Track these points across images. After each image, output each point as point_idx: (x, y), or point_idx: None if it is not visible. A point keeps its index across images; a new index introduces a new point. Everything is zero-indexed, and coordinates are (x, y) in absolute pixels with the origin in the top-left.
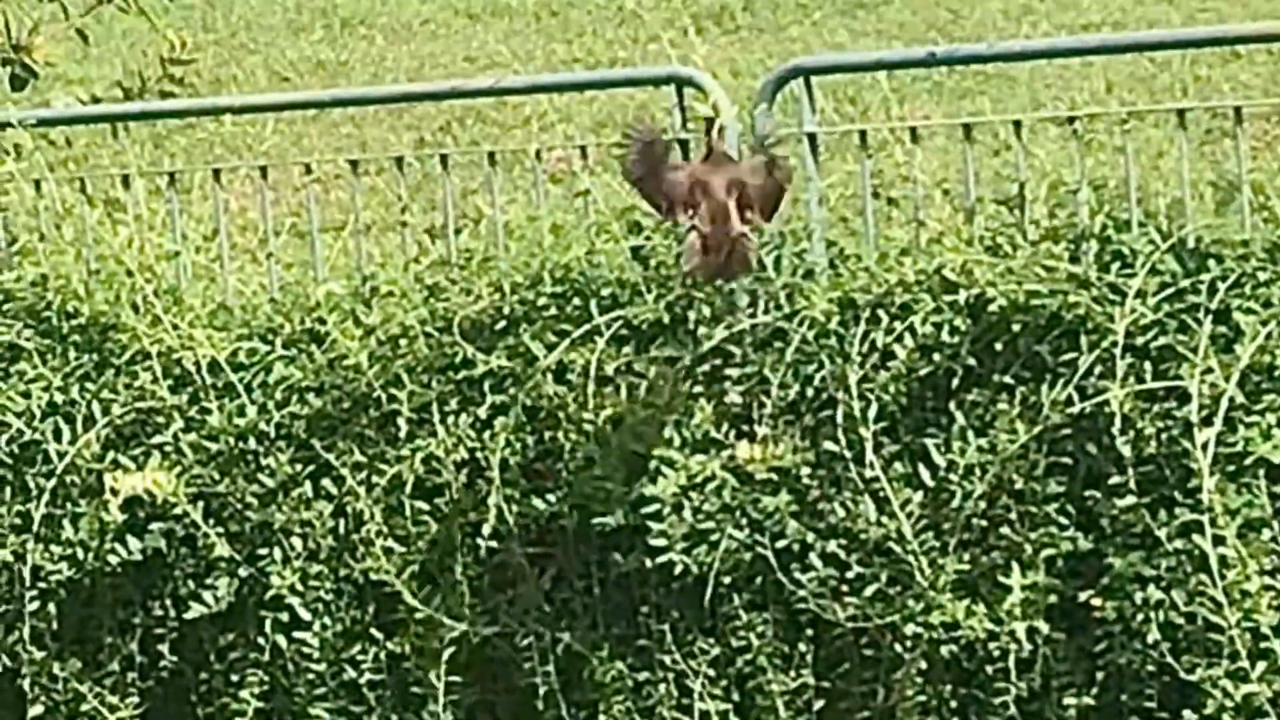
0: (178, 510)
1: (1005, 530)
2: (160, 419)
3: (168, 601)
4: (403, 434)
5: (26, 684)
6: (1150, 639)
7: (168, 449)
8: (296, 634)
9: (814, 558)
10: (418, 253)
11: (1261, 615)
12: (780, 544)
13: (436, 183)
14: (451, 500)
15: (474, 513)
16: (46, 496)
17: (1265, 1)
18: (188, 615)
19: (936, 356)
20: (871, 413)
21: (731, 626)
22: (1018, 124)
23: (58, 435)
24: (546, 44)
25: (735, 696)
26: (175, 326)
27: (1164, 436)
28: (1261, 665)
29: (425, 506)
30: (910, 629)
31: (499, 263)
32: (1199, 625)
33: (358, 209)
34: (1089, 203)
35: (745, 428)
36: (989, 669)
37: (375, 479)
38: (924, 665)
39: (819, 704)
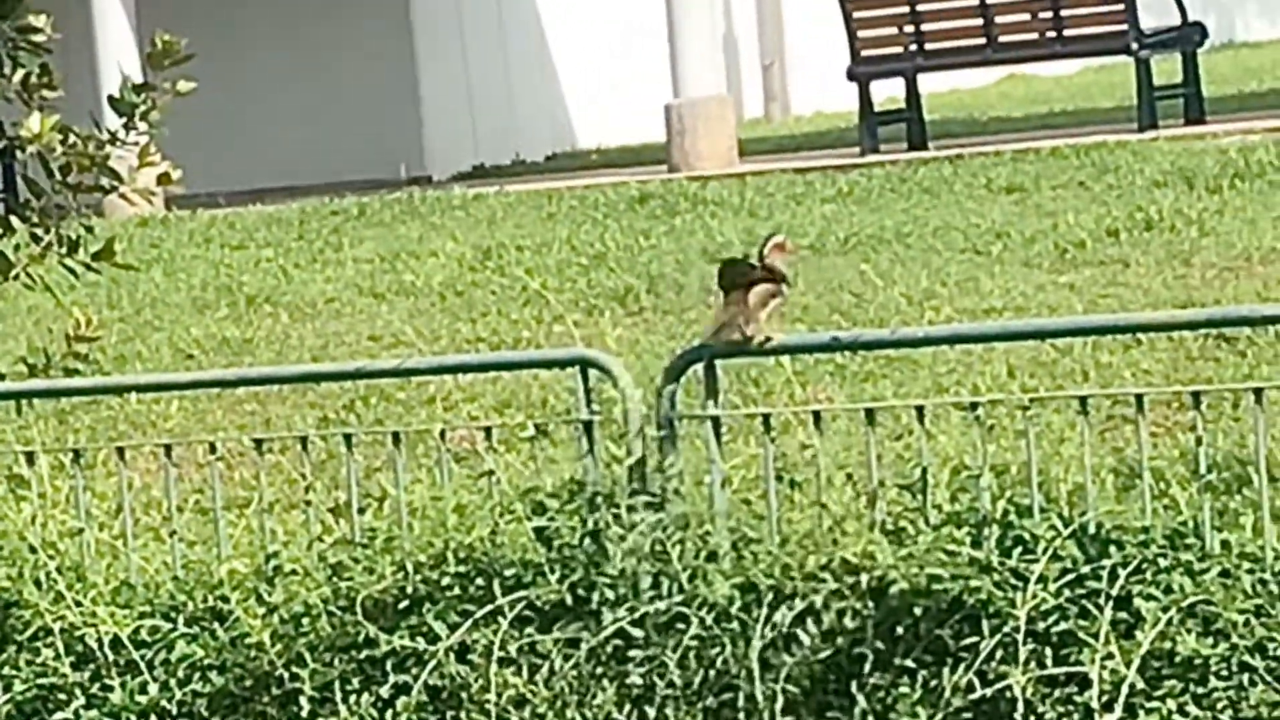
0: None
1: None
2: (62, 695)
3: None
4: (304, 713)
5: None
6: None
7: None
8: None
9: None
10: (321, 531)
11: None
12: None
13: (340, 461)
14: None
15: None
16: None
17: (1165, 288)
18: None
19: (839, 640)
20: (774, 697)
21: None
22: (920, 409)
23: None
24: (451, 323)
25: None
26: (78, 603)
27: None
28: None
29: None
30: None
31: (403, 542)
32: None
33: (262, 487)
34: (991, 488)
35: (647, 709)
36: None
37: None
38: None
39: None
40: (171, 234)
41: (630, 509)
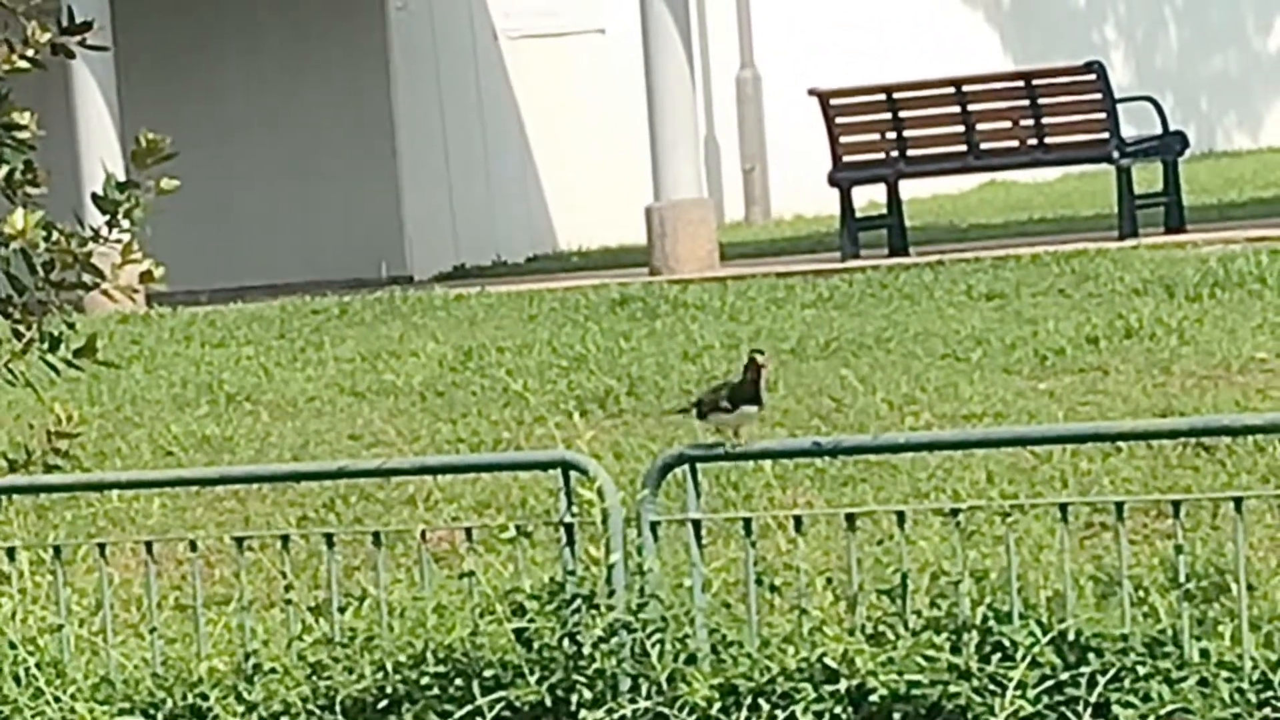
0: None
1: None
2: None
3: None
4: None
5: None
6: None
7: None
8: None
9: None
10: (301, 630)
11: None
12: None
13: (321, 560)
14: None
15: None
16: None
17: (1145, 396)
18: None
19: None
20: None
21: None
22: (900, 514)
23: None
24: (432, 423)
25: None
26: (57, 699)
27: None
28: None
29: None
30: None
31: (383, 641)
32: None
33: (242, 585)
34: (970, 593)
35: None
36: None
37: None
38: None
39: None
40: (152, 331)
41: (609, 610)
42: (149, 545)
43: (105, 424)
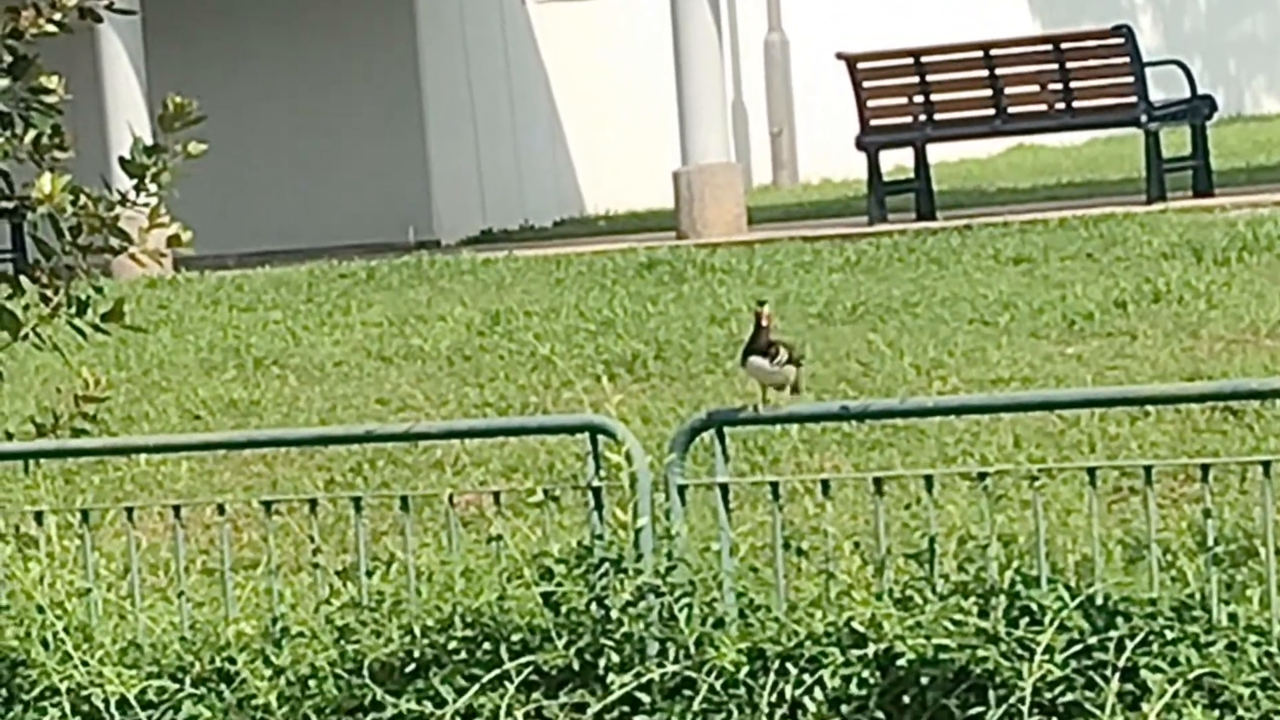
0: None
1: None
2: None
3: None
4: None
5: None
6: None
7: None
8: None
9: None
10: (329, 594)
11: None
12: None
13: (348, 524)
14: None
15: None
16: None
17: (1173, 360)
18: None
19: (845, 709)
20: None
21: None
22: (928, 478)
23: None
24: (459, 387)
25: None
26: (85, 663)
27: None
28: None
29: None
30: None
31: (410, 606)
32: None
33: (270, 548)
34: (998, 558)
35: None
36: None
37: None
38: None
39: None
40: (180, 295)
41: (637, 574)
42: (176, 509)
43: (133, 388)
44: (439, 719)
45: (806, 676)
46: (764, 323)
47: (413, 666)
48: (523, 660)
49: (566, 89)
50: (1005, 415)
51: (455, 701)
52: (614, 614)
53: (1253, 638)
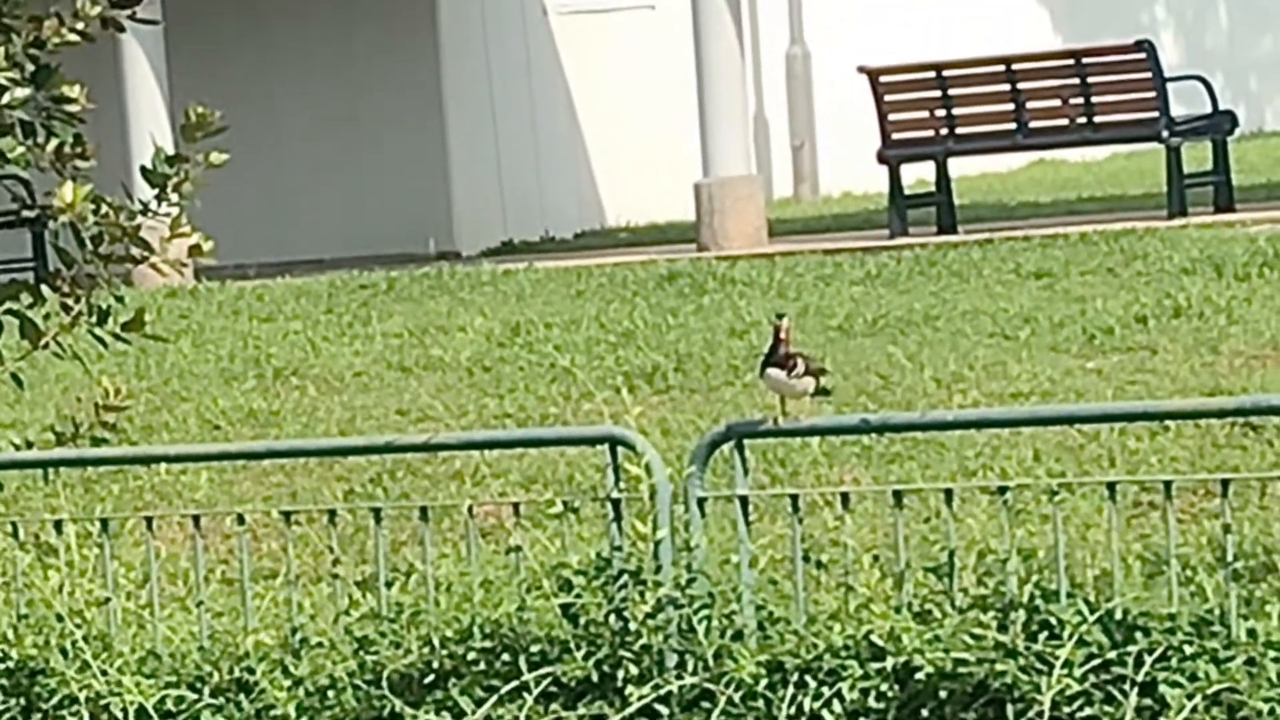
0: None
1: None
2: None
3: None
4: None
5: None
6: None
7: None
8: None
9: None
10: (348, 604)
11: None
12: None
13: (368, 534)
14: None
15: None
16: None
17: (1193, 375)
18: None
19: None
20: None
21: None
22: (948, 492)
23: None
24: (479, 398)
25: None
26: (104, 672)
27: None
28: None
29: None
30: None
31: (429, 617)
32: None
33: (289, 559)
34: (1017, 572)
35: None
36: None
37: None
38: None
39: None
40: (200, 305)
41: (656, 586)
42: (196, 519)
43: (153, 398)
44: None
45: (825, 689)
46: (782, 335)
47: (431, 677)
48: (542, 672)
49: (588, 101)
50: (1025, 429)
51: (474, 713)
52: (633, 626)
53: (1272, 653)
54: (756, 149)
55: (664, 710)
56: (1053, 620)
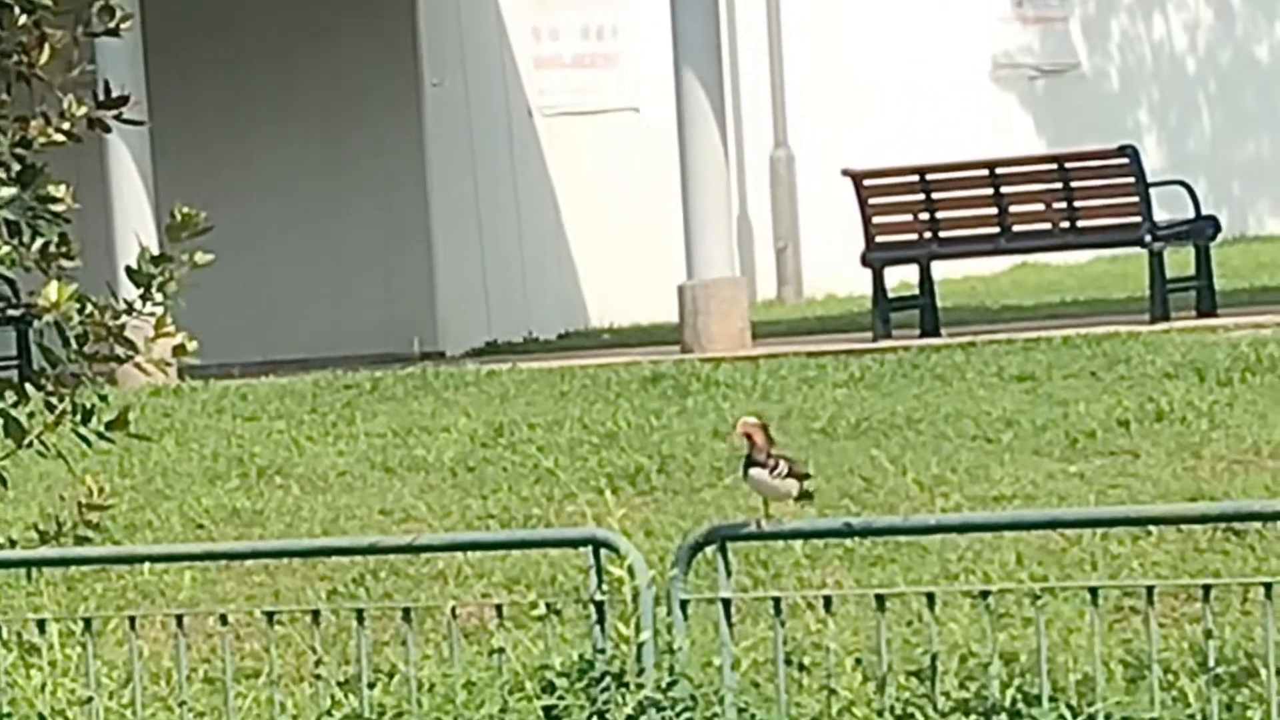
0: None
1: None
2: None
3: None
4: None
5: None
6: None
7: None
8: None
9: None
10: (330, 705)
11: None
12: None
13: (350, 635)
14: None
15: None
16: None
17: (1175, 480)
18: None
19: None
20: None
21: None
22: (930, 595)
23: None
24: (462, 499)
25: None
26: None
27: None
28: None
29: None
30: None
31: (412, 718)
32: None
33: (271, 659)
34: (1000, 676)
35: None
36: None
37: None
38: None
39: None
40: (184, 404)
41: (639, 688)
42: (179, 618)
43: (136, 496)
44: None
45: None
46: (746, 431)
47: None
48: None
49: (572, 202)
50: (1008, 533)
51: None
52: None
53: None
54: (740, 251)
55: None
56: None
